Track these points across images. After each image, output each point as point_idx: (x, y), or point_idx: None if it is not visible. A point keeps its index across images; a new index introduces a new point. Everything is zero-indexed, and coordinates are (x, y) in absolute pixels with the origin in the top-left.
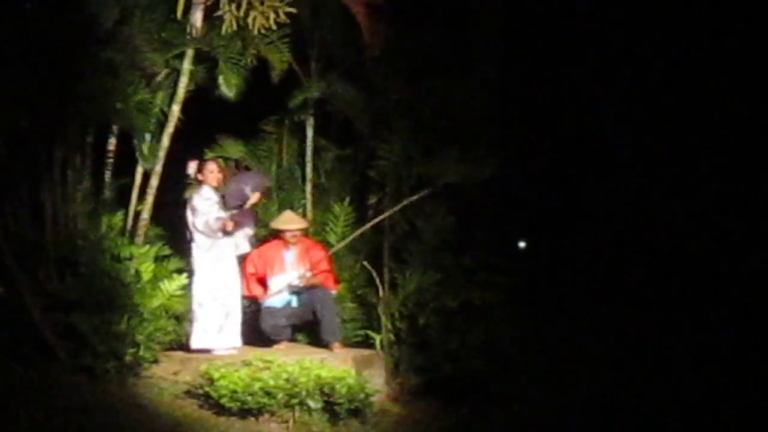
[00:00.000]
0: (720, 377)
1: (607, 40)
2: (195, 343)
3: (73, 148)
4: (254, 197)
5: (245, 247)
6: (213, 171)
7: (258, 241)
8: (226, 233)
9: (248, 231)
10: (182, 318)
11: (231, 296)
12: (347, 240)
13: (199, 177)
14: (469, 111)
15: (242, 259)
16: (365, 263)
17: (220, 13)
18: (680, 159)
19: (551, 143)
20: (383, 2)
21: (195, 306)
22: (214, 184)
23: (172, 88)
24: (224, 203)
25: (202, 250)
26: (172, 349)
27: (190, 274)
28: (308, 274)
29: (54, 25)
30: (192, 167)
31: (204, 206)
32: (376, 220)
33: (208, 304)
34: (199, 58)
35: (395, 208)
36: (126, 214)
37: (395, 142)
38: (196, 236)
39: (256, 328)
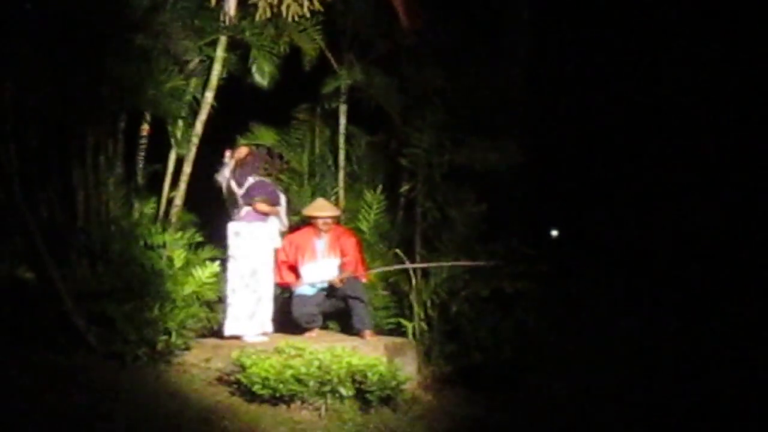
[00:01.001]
0: (752, 367)
1: (638, 24)
2: (228, 330)
3: (105, 134)
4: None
5: (285, 223)
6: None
7: (290, 228)
8: (260, 216)
9: (281, 210)
10: (214, 305)
11: (263, 283)
12: None
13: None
14: (500, 99)
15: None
16: (397, 251)
17: (253, 0)
18: (718, 142)
19: (583, 131)
20: None
21: (228, 292)
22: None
23: (206, 75)
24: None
25: (234, 235)
26: (204, 336)
27: (223, 261)
28: (342, 275)
29: (87, 12)
30: (229, 155)
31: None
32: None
33: (240, 291)
34: (232, 46)
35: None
36: (158, 201)
37: (426, 130)
38: (235, 213)
39: (288, 316)
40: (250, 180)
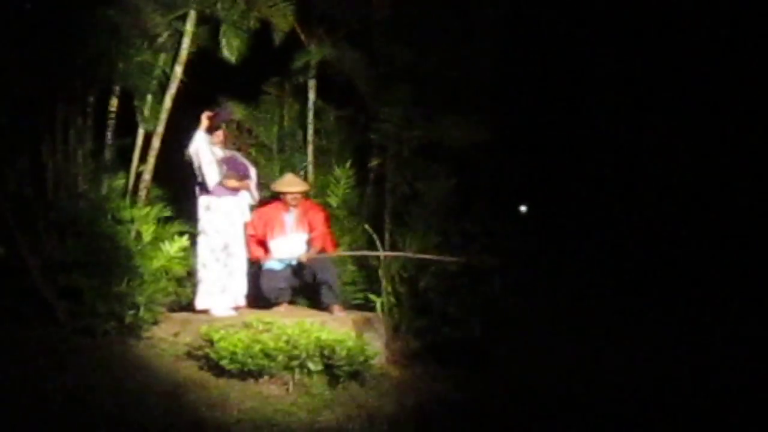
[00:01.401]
0: (721, 356)
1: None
2: (199, 304)
3: (74, 108)
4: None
5: (255, 197)
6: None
7: (259, 202)
8: (230, 190)
9: (252, 183)
10: (183, 280)
11: (234, 256)
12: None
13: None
14: (469, 75)
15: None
16: (366, 226)
17: None
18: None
19: (553, 107)
20: None
21: (199, 266)
22: (217, 142)
23: (175, 49)
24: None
25: (205, 209)
26: (173, 310)
27: (192, 236)
28: (310, 253)
29: None
30: (206, 115)
31: (206, 150)
32: None
33: (211, 265)
34: (201, 20)
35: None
36: (127, 176)
37: (396, 105)
38: (200, 190)
39: (257, 290)
40: (220, 153)
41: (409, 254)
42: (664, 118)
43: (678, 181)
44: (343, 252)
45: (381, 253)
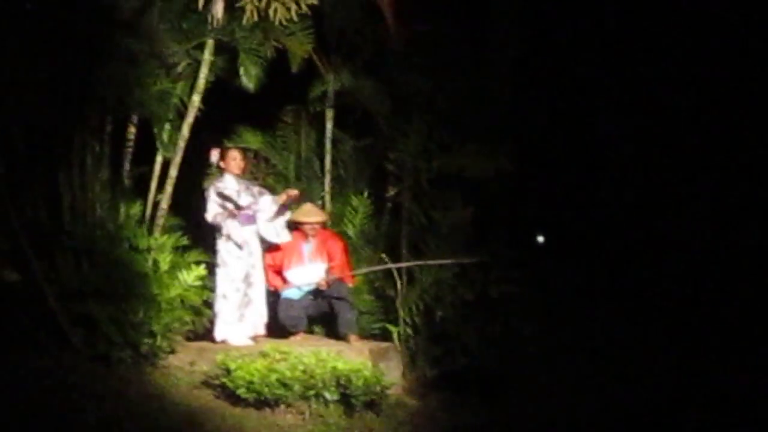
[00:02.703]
0: (743, 383)
1: (625, 33)
2: (218, 334)
3: (91, 136)
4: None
5: (285, 236)
6: (236, 158)
7: None
8: (244, 221)
9: (282, 219)
10: (200, 309)
11: (254, 286)
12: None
13: (222, 165)
14: (487, 105)
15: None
16: (383, 256)
17: (241, 3)
18: (702, 153)
19: (569, 137)
20: None
21: (218, 297)
22: (237, 171)
23: (193, 78)
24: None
25: (224, 239)
26: (189, 339)
27: (210, 265)
28: (328, 278)
29: (74, 14)
30: (215, 155)
31: (215, 199)
32: None
33: (231, 295)
34: (219, 49)
35: None
36: (145, 204)
37: (413, 134)
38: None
39: (274, 319)
40: (235, 186)
41: (427, 262)
42: (686, 149)
43: (701, 210)
44: (359, 270)
45: (397, 265)
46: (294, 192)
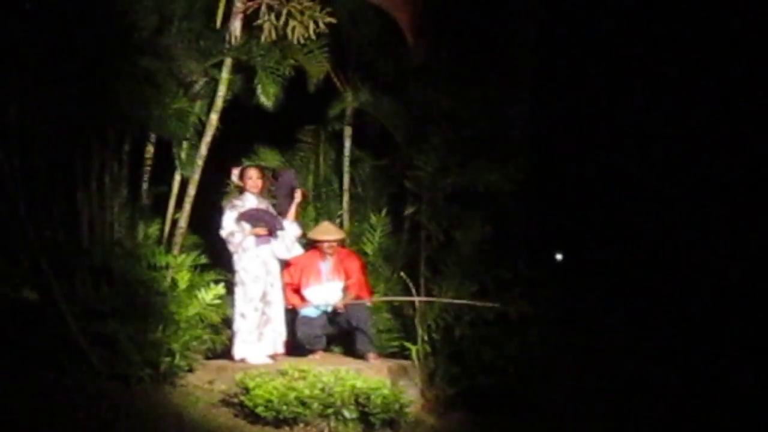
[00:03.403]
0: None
1: (648, 49)
2: (237, 353)
3: (110, 155)
4: (298, 194)
5: (297, 250)
6: (252, 177)
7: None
8: (260, 240)
9: (293, 234)
10: (218, 327)
11: (272, 304)
12: None
13: (241, 183)
14: (505, 122)
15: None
16: (402, 274)
17: (259, 22)
18: (729, 168)
19: (589, 154)
20: (427, 10)
21: (236, 316)
22: (255, 190)
23: (210, 96)
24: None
25: (242, 258)
26: (207, 358)
27: (228, 283)
28: (346, 299)
29: (92, 33)
30: (235, 174)
31: (230, 218)
32: None
33: (249, 314)
34: (237, 68)
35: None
36: (163, 223)
37: (431, 152)
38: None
39: (292, 338)
40: (254, 202)
41: (445, 300)
42: (712, 165)
43: (726, 227)
44: (378, 298)
45: (415, 299)
46: (304, 191)
